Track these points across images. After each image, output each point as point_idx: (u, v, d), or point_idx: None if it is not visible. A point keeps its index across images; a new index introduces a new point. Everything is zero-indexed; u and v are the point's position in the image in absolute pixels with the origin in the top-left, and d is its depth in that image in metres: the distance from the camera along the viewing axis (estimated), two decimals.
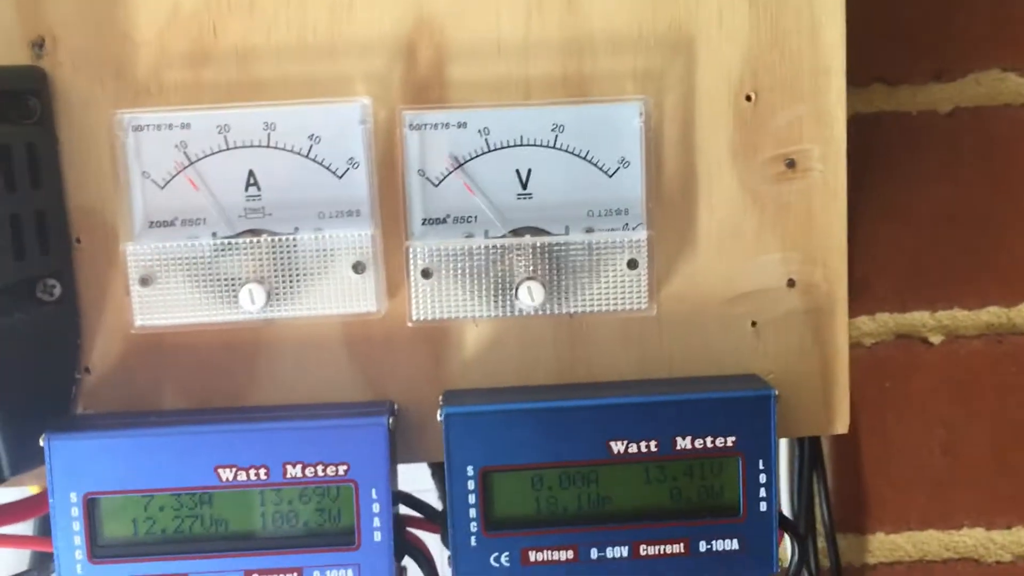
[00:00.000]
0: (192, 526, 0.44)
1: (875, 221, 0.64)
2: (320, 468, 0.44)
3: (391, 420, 0.44)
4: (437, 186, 0.45)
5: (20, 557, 0.55)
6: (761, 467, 0.45)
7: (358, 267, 0.45)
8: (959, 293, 0.65)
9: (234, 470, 0.43)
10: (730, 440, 0.45)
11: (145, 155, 0.45)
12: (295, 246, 0.44)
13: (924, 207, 0.64)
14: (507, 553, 0.45)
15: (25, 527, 0.50)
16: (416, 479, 0.50)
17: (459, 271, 0.45)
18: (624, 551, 0.45)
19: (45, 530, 0.51)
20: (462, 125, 0.45)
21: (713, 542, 0.45)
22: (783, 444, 0.63)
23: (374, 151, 0.45)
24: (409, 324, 0.45)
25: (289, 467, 0.43)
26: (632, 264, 0.45)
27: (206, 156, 0.45)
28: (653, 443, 0.45)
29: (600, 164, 0.46)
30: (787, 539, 0.51)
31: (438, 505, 0.48)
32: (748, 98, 0.46)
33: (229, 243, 0.44)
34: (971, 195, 0.64)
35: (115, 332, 0.46)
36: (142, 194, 0.45)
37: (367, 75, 0.45)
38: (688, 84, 0.46)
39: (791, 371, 0.48)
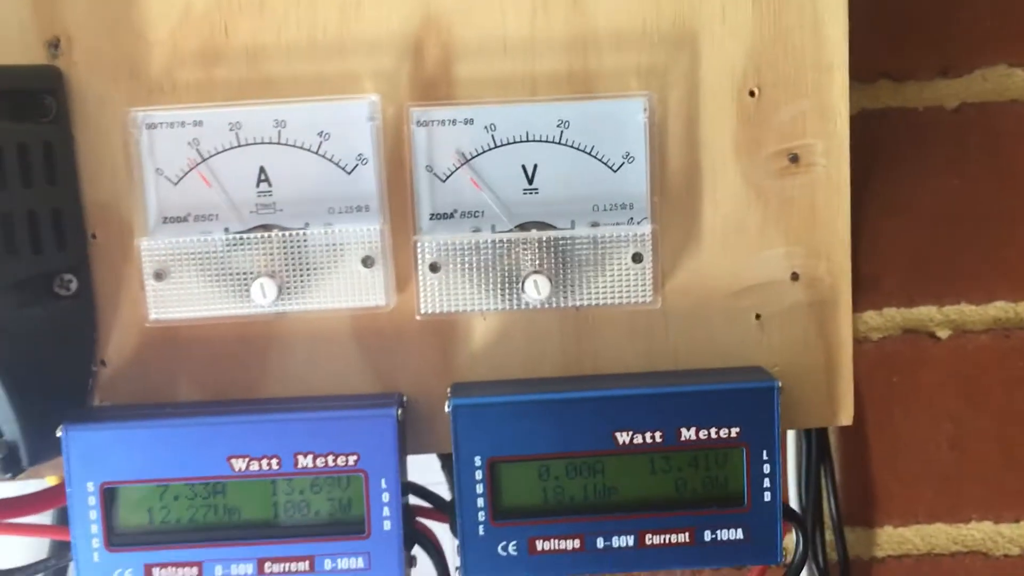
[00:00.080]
0: (206, 515, 0.45)
1: (882, 217, 0.64)
2: (331, 458, 0.44)
3: (400, 411, 0.45)
4: (444, 181, 0.46)
5: (39, 546, 0.57)
6: (765, 458, 0.46)
7: (367, 261, 0.45)
8: (966, 288, 0.65)
9: (247, 460, 0.44)
10: (734, 431, 0.45)
11: (158, 152, 0.45)
12: (305, 241, 0.45)
13: (931, 203, 0.64)
14: (515, 542, 0.45)
15: (43, 516, 0.51)
16: (429, 471, 0.50)
17: (466, 265, 0.46)
18: (630, 540, 0.46)
19: (63, 520, 0.52)
20: (469, 121, 0.46)
21: (718, 532, 0.46)
22: (791, 438, 0.63)
23: (382, 147, 0.46)
24: (417, 317, 0.46)
25: (300, 457, 0.44)
26: (637, 258, 0.46)
27: (218, 153, 0.46)
28: (658, 434, 0.45)
29: (605, 159, 0.46)
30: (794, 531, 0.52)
31: (449, 497, 0.49)
32: (751, 93, 0.47)
33: (241, 238, 0.45)
34: (978, 190, 0.64)
35: (130, 325, 0.47)
36: (156, 190, 0.46)
37: (375, 73, 0.46)
38: (692, 80, 0.47)
39: (795, 363, 0.48)
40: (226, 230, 0.46)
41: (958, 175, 0.64)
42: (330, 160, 0.46)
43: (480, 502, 0.45)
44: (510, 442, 0.45)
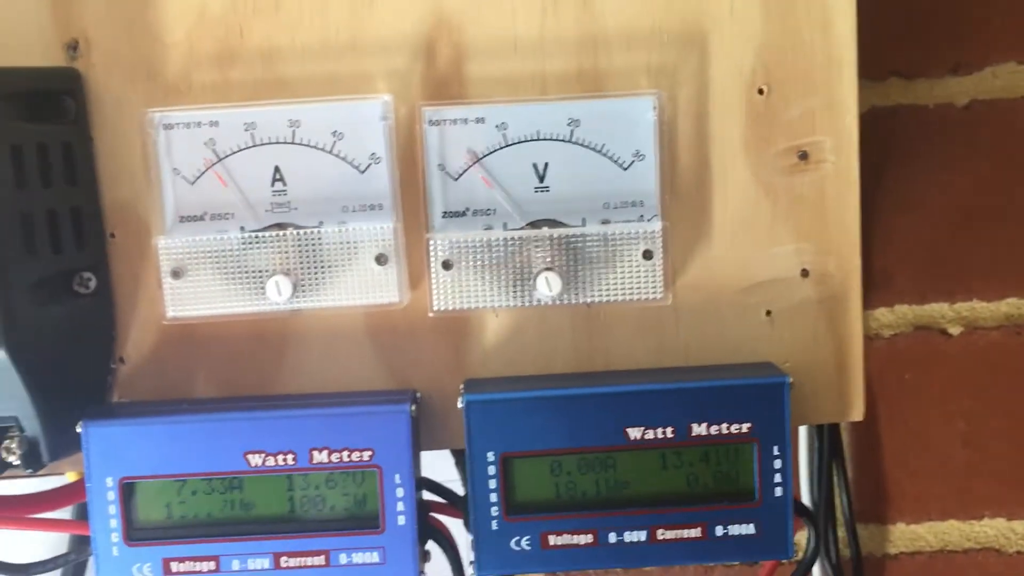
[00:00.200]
0: (223, 510, 0.45)
1: (893, 214, 0.64)
2: (345, 454, 0.45)
3: (413, 407, 0.45)
4: (457, 180, 0.47)
5: (58, 541, 0.57)
6: (776, 453, 0.46)
7: (381, 259, 0.46)
8: (978, 284, 0.65)
9: (263, 456, 0.45)
10: (745, 427, 0.46)
11: (175, 152, 0.46)
12: (320, 239, 0.46)
13: (942, 200, 0.64)
14: (528, 537, 0.46)
15: (62, 512, 0.51)
16: (443, 468, 0.51)
17: (479, 262, 0.46)
18: (642, 535, 0.46)
19: (82, 515, 0.53)
20: (480, 120, 0.46)
21: (729, 527, 0.46)
22: (803, 435, 0.63)
23: (395, 146, 0.46)
24: (430, 314, 0.46)
25: (316, 453, 0.45)
26: (647, 255, 0.46)
27: (233, 153, 0.46)
28: (669, 429, 0.46)
29: (615, 157, 0.47)
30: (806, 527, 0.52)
31: (462, 493, 0.50)
32: (761, 91, 0.47)
33: (256, 236, 0.46)
34: (989, 187, 0.64)
35: (148, 323, 0.48)
36: (173, 190, 0.46)
37: (388, 73, 0.47)
38: (701, 78, 0.47)
39: (806, 359, 0.48)
40: (242, 229, 0.46)
41: (969, 172, 0.64)
42: (344, 159, 0.46)
43: (493, 497, 0.46)
44: (523, 438, 0.45)
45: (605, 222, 0.47)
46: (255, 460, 0.45)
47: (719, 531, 0.46)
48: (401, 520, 0.45)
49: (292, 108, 0.46)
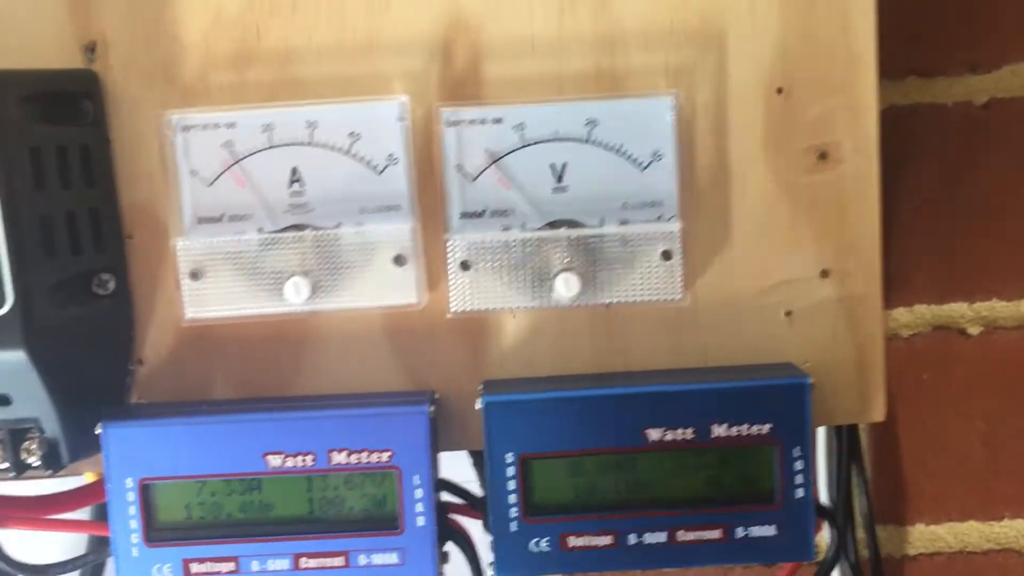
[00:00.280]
0: (242, 511, 0.45)
1: (911, 213, 0.64)
2: (365, 455, 0.45)
3: (432, 408, 0.45)
4: (474, 181, 0.47)
5: (76, 542, 0.57)
6: (797, 455, 0.46)
7: (399, 260, 0.46)
8: (997, 284, 0.65)
9: (282, 457, 0.45)
10: (766, 428, 0.45)
11: (193, 154, 0.46)
12: (338, 240, 0.46)
13: (960, 198, 0.64)
14: (547, 538, 0.46)
15: (79, 513, 0.52)
16: (460, 469, 0.51)
17: (497, 263, 0.46)
18: (662, 537, 0.46)
19: (100, 516, 0.53)
20: (498, 121, 0.46)
21: (750, 528, 0.46)
22: (821, 436, 0.63)
23: (412, 147, 0.46)
24: (448, 315, 0.46)
25: (335, 454, 0.45)
26: (666, 255, 0.46)
27: (251, 154, 0.46)
28: (690, 431, 0.45)
29: (633, 157, 0.46)
30: (825, 528, 0.51)
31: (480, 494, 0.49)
32: (779, 90, 0.47)
33: (274, 238, 0.46)
34: (1008, 186, 0.63)
35: (166, 324, 0.48)
36: (190, 191, 0.46)
37: (405, 74, 0.47)
38: (719, 77, 0.47)
39: (826, 360, 0.48)
40: (260, 230, 0.46)
41: (988, 170, 0.63)
42: (361, 160, 0.46)
43: (512, 498, 0.45)
44: (541, 439, 0.45)
45: (623, 222, 0.47)
46: (274, 461, 0.45)
47: (740, 533, 0.46)
48: (420, 521, 0.45)
49: (309, 109, 0.46)
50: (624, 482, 0.46)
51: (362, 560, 0.45)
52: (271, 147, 0.46)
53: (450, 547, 0.48)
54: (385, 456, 0.45)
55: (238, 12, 0.46)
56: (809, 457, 0.46)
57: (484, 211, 0.47)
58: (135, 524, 0.45)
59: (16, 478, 0.44)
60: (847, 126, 0.47)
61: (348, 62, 0.47)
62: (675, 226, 0.46)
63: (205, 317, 0.46)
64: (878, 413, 0.49)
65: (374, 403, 0.45)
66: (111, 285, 0.46)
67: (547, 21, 0.46)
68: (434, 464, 0.46)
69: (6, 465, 0.43)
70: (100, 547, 0.51)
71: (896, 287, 0.65)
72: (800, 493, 0.46)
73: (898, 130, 0.63)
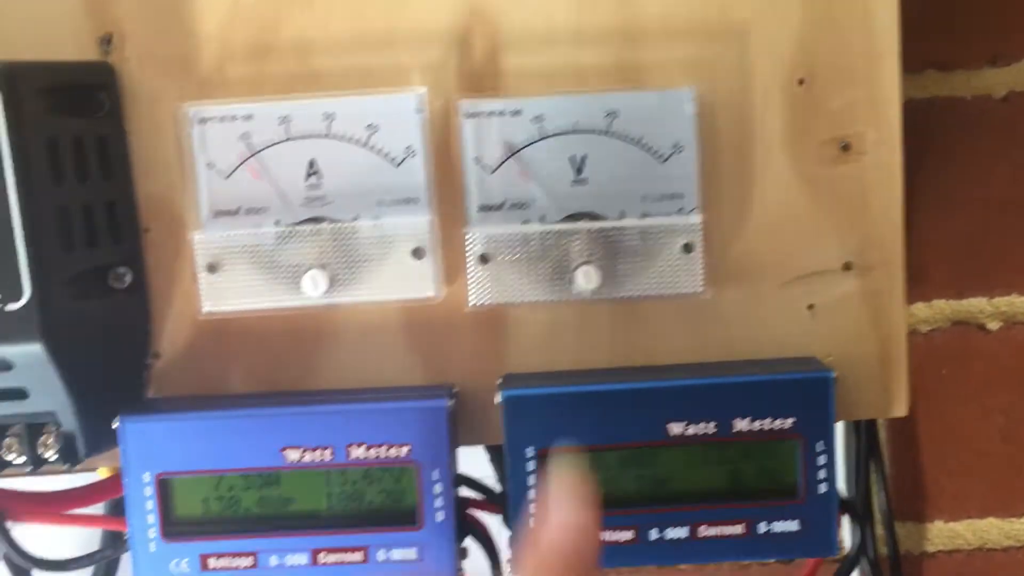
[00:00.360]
0: (260, 506, 0.45)
1: (930, 207, 0.63)
2: (383, 450, 0.44)
3: (451, 403, 0.45)
4: (493, 173, 0.46)
5: (90, 538, 0.57)
6: (820, 449, 0.45)
7: (417, 253, 0.45)
8: (1017, 279, 0.64)
9: (300, 451, 0.44)
10: (789, 422, 0.45)
11: (210, 146, 0.46)
12: (355, 233, 0.45)
13: (979, 192, 0.63)
14: None
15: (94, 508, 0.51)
16: (478, 464, 0.50)
17: (516, 256, 0.45)
18: (684, 532, 0.45)
19: (115, 512, 0.52)
20: (516, 113, 0.46)
21: (773, 524, 0.45)
22: (839, 431, 0.62)
23: (430, 139, 0.46)
24: (467, 309, 0.46)
25: (353, 448, 0.44)
26: (687, 248, 0.46)
27: (268, 147, 0.46)
28: (712, 425, 0.45)
29: (654, 150, 0.46)
30: (846, 523, 0.51)
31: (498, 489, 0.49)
32: (801, 81, 0.46)
33: (292, 231, 0.45)
34: None
35: (183, 318, 0.47)
36: (207, 184, 0.46)
37: (423, 65, 0.46)
38: (740, 69, 0.46)
39: (849, 354, 0.48)
40: (277, 223, 0.46)
41: (1007, 164, 0.63)
42: (379, 152, 0.46)
43: (531, 493, 0.45)
44: (561, 433, 0.45)
45: (644, 215, 0.46)
46: (292, 456, 0.44)
47: (762, 528, 0.45)
48: (439, 516, 0.45)
49: (327, 101, 0.46)
50: (645, 477, 0.46)
51: (381, 556, 0.45)
52: (288, 139, 0.46)
53: (469, 542, 0.47)
54: (404, 451, 0.44)
55: (255, 3, 0.46)
56: (833, 452, 0.45)
57: (503, 204, 0.46)
58: (152, 519, 0.45)
59: (33, 472, 0.44)
60: (869, 117, 0.47)
61: (366, 54, 0.46)
62: (696, 219, 0.46)
63: (222, 310, 0.46)
64: (901, 408, 0.48)
65: (392, 397, 0.45)
66: (128, 278, 0.46)
67: (567, 12, 0.46)
68: (453, 459, 0.45)
69: (23, 459, 0.43)
70: (115, 542, 0.50)
71: (915, 282, 0.64)
72: (823, 488, 0.45)
73: (916, 124, 0.62)
